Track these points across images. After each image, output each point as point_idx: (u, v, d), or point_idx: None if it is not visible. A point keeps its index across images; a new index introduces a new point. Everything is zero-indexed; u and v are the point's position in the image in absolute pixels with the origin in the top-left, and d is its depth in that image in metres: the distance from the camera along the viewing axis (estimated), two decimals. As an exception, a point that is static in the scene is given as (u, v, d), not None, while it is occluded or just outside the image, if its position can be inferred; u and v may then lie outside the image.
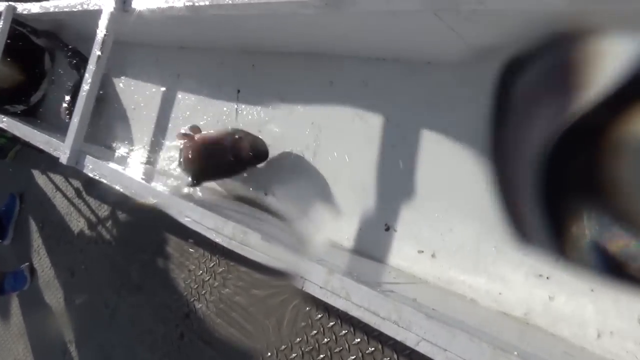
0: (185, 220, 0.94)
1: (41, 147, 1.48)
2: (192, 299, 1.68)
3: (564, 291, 0.76)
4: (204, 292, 1.65)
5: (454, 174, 0.97)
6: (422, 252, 0.98)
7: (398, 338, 0.58)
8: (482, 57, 0.93)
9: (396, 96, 1.09)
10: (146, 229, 2.00)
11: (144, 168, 1.59)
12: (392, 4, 0.76)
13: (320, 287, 0.67)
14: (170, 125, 1.64)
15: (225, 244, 0.86)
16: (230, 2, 1.00)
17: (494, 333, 0.68)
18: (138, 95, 1.81)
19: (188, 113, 1.59)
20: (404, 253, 1.00)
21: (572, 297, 0.74)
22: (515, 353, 0.53)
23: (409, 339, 0.57)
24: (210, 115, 1.51)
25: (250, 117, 1.40)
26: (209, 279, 1.65)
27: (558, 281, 0.77)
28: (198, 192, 1.28)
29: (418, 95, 1.06)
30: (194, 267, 1.73)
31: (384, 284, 0.78)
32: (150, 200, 1.00)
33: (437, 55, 1.01)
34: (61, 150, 1.36)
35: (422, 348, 0.56)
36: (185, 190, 1.27)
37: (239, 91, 1.45)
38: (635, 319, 0.68)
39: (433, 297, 0.77)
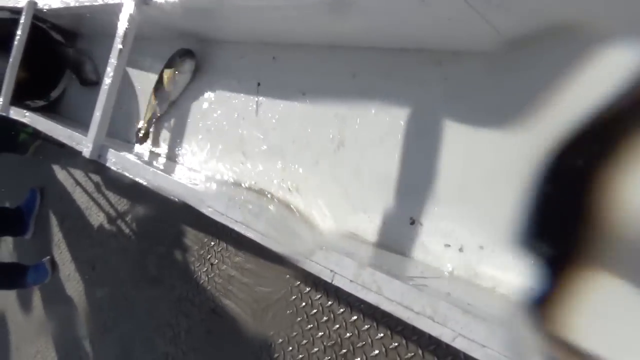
0: (220, 218, 0.92)
1: (64, 141, 1.49)
2: (217, 294, 1.67)
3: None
4: (230, 287, 1.63)
5: (481, 166, 0.95)
6: (449, 246, 0.96)
7: (433, 333, 0.57)
8: (514, 47, 0.90)
9: (420, 87, 1.07)
10: (165, 223, 2.01)
11: (164, 161, 1.59)
12: (422, -9, 0.74)
13: (351, 281, 0.66)
14: (188, 119, 1.64)
15: (258, 240, 0.85)
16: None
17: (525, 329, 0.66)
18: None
19: (207, 107, 1.59)
20: (430, 247, 0.98)
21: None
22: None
23: (444, 335, 0.56)
24: (230, 109, 1.50)
25: (271, 110, 1.39)
26: (235, 275, 1.63)
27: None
28: (222, 186, 1.27)
29: (444, 85, 1.03)
30: (216, 260, 1.72)
31: (413, 279, 0.77)
32: (178, 196, 0.99)
33: (465, 45, 0.98)
34: (84, 144, 1.37)
35: (459, 344, 0.54)
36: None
37: (259, 84, 1.44)
38: None
39: (465, 292, 0.75)
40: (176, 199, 1.01)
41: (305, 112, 1.29)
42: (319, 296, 1.36)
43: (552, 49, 0.87)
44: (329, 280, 0.69)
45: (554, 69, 0.87)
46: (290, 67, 1.37)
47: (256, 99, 1.44)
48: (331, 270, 0.69)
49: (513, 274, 0.85)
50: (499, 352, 0.51)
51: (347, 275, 0.67)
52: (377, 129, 1.12)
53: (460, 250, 0.94)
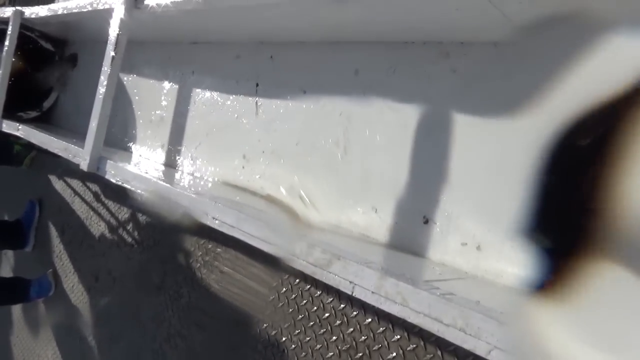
0: (230, 230, 0.89)
1: (60, 154, 1.45)
2: (230, 303, 1.60)
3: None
4: (251, 297, 1.55)
5: (494, 160, 0.92)
6: (466, 244, 0.93)
7: (466, 346, 0.53)
8: (523, 35, 0.87)
9: (428, 81, 1.03)
10: (168, 229, 1.97)
11: (164, 169, 1.55)
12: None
13: (372, 293, 0.63)
14: (187, 123, 1.59)
15: (269, 251, 0.81)
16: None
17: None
18: (153, 94, 1.76)
19: (204, 109, 1.55)
20: (446, 246, 0.95)
21: None
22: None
23: (478, 348, 0.52)
24: (230, 111, 1.46)
25: (271, 110, 1.35)
26: (255, 286, 1.55)
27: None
28: (225, 193, 1.23)
29: (452, 78, 1.00)
30: (226, 269, 1.67)
31: (433, 282, 0.73)
32: (180, 208, 0.95)
33: (473, 35, 0.94)
34: (81, 156, 1.32)
35: (495, 357, 0.51)
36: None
37: (257, 85, 1.40)
38: None
39: (493, 297, 0.72)
40: (182, 209, 0.97)
41: (308, 112, 1.25)
42: (330, 299, 1.32)
43: (562, 36, 0.83)
44: (349, 293, 0.65)
45: (564, 57, 0.83)
46: (289, 65, 1.33)
47: (255, 99, 1.40)
48: (350, 282, 0.65)
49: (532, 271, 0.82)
50: (540, 365, 0.48)
51: (368, 286, 0.63)
52: (383, 127, 1.09)
53: (478, 248, 0.91)
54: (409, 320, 0.59)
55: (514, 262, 0.86)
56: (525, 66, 0.89)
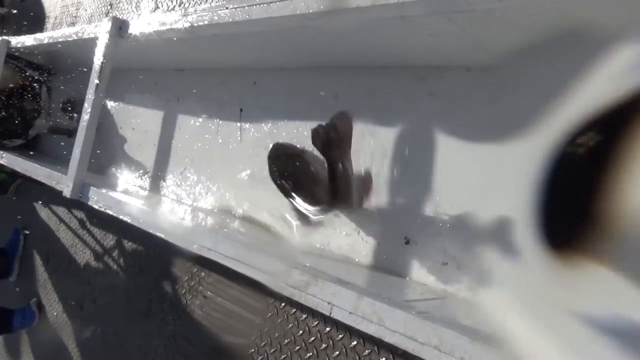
0: (209, 254, 0.89)
1: (43, 181, 1.45)
2: (215, 330, 1.59)
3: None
4: (224, 319, 1.56)
5: (473, 181, 0.94)
6: (446, 264, 0.94)
7: (441, 364, 0.54)
8: (500, 60, 0.90)
9: (406, 104, 1.06)
10: (153, 256, 1.95)
11: (148, 195, 1.55)
12: (403, 9, 0.73)
13: (350, 313, 0.63)
14: (172, 149, 1.60)
15: (252, 275, 0.81)
16: (230, 20, 0.97)
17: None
18: (138, 121, 1.78)
19: (189, 135, 1.56)
20: (427, 266, 0.95)
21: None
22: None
23: (453, 365, 0.53)
24: (214, 136, 1.48)
25: (255, 136, 1.37)
26: (235, 308, 1.55)
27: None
28: (209, 218, 1.24)
29: (430, 101, 1.02)
30: (210, 293, 1.67)
31: (413, 303, 0.74)
32: (165, 235, 0.96)
33: (448, 59, 0.98)
34: (64, 183, 1.32)
35: (469, 374, 0.51)
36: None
37: (241, 110, 1.42)
38: None
39: (468, 314, 0.73)
40: (164, 237, 0.97)
41: (291, 136, 1.27)
42: (316, 322, 1.32)
43: (536, 63, 0.86)
44: (327, 314, 0.66)
45: (538, 83, 0.86)
46: (271, 91, 1.36)
47: (239, 124, 1.42)
48: (329, 303, 0.66)
49: (515, 288, 0.83)
50: (512, 381, 0.48)
51: (345, 307, 0.64)
52: (364, 151, 1.10)
53: (458, 268, 0.92)
54: (386, 339, 0.59)
55: (494, 281, 0.87)
56: (501, 90, 0.92)
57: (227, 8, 0.95)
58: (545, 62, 0.85)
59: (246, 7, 0.96)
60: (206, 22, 1.02)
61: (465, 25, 0.77)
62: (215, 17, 0.98)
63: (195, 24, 1.04)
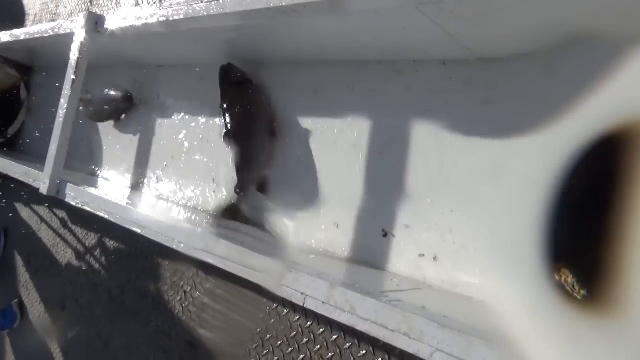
0: (178, 246, 0.89)
1: (20, 178, 1.43)
2: (193, 325, 1.61)
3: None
4: (205, 316, 1.58)
5: (448, 173, 0.95)
6: (423, 255, 0.95)
7: (410, 351, 0.54)
8: (471, 52, 0.91)
9: (383, 98, 1.07)
10: (135, 253, 1.94)
11: (129, 192, 1.54)
12: (375, 2, 0.73)
13: (323, 303, 0.63)
14: (153, 145, 1.59)
15: (220, 265, 0.81)
16: (205, 14, 0.97)
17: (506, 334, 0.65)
18: (119, 118, 1.76)
19: (170, 131, 1.55)
20: (404, 258, 0.96)
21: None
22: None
23: (422, 351, 0.54)
24: (195, 132, 1.47)
25: (235, 131, 1.36)
26: (208, 302, 1.58)
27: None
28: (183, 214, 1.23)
29: (406, 95, 1.03)
30: (189, 287, 1.67)
31: (388, 293, 0.74)
32: (138, 229, 0.95)
33: (424, 53, 0.98)
34: (40, 180, 1.31)
35: (437, 359, 0.52)
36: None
37: (222, 106, 1.41)
38: None
39: (442, 303, 0.73)
40: (141, 232, 0.97)
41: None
42: (297, 317, 1.32)
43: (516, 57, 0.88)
44: (301, 304, 0.66)
45: (511, 81, 0.87)
46: (252, 86, 1.35)
47: (219, 121, 1.41)
48: (302, 293, 0.66)
49: (489, 279, 0.84)
50: (479, 365, 0.49)
51: (318, 297, 0.64)
52: (342, 145, 1.11)
53: (435, 259, 0.93)
54: (358, 328, 0.60)
55: (470, 272, 0.88)
56: (476, 83, 0.93)
57: (202, 1, 0.95)
58: (524, 58, 0.86)
59: (220, 1, 0.96)
60: (182, 17, 1.01)
61: (436, 17, 0.77)
62: (190, 11, 0.97)
63: (171, 18, 1.03)
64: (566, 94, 0.77)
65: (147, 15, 1.08)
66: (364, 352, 1.17)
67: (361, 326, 0.59)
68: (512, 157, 0.86)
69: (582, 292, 0.63)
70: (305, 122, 1.19)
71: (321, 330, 1.27)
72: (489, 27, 0.81)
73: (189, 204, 1.41)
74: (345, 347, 1.22)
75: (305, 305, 0.66)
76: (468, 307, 0.83)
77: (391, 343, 0.56)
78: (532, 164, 0.82)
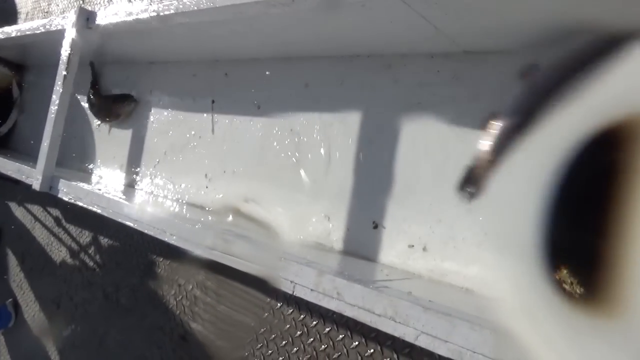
0: (170, 239, 0.90)
1: (13, 175, 1.43)
2: (186, 319, 1.62)
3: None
4: (197, 309, 1.60)
5: (437, 165, 0.96)
6: (413, 246, 0.96)
7: (396, 334, 0.56)
8: (459, 45, 0.92)
9: (372, 91, 1.08)
10: (129, 250, 1.94)
11: (122, 187, 1.55)
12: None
13: (312, 290, 0.65)
14: (145, 142, 1.60)
15: (208, 255, 0.82)
16: (195, 8, 0.97)
17: (493, 320, 0.66)
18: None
19: (163, 127, 1.56)
20: (394, 249, 0.98)
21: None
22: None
23: (407, 334, 0.55)
24: (187, 128, 1.48)
25: (227, 127, 1.37)
26: (200, 295, 1.59)
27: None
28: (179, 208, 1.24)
29: (395, 88, 1.04)
30: (183, 281, 1.67)
31: (377, 282, 0.76)
32: (130, 222, 0.96)
33: (411, 47, 1.00)
34: (33, 176, 1.31)
35: (422, 342, 0.53)
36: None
37: (213, 101, 1.42)
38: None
39: (428, 290, 0.75)
40: (134, 225, 0.97)
41: (262, 127, 1.28)
42: (291, 311, 1.33)
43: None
44: (290, 292, 0.67)
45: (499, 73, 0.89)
46: (243, 82, 1.36)
47: (212, 116, 1.42)
48: (291, 281, 0.67)
49: (476, 268, 0.86)
50: (462, 347, 0.50)
51: (307, 284, 0.65)
52: (333, 138, 1.12)
53: (424, 249, 0.94)
54: (346, 313, 0.61)
55: (458, 261, 0.89)
56: (462, 76, 0.94)
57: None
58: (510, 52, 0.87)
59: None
60: (172, 11, 1.02)
61: (422, 10, 0.79)
62: (181, 6, 0.98)
63: (162, 13, 1.04)
64: (556, 89, 0.78)
65: (138, 10, 1.09)
66: (357, 343, 1.19)
67: (349, 312, 0.61)
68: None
69: (580, 289, 0.63)
70: (297, 116, 1.20)
71: (314, 322, 1.28)
72: (474, 20, 0.82)
73: (181, 199, 1.42)
74: (337, 339, 1.23)
75: (294, 293, 0.67)
76: (455, 295, 0.84)
77: (378, 327, 0.57)
78: (521, 158, 0.83)
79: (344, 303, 0.61)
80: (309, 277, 0.66)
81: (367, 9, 0.85)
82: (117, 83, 1.78)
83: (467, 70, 0.94)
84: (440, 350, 0.52)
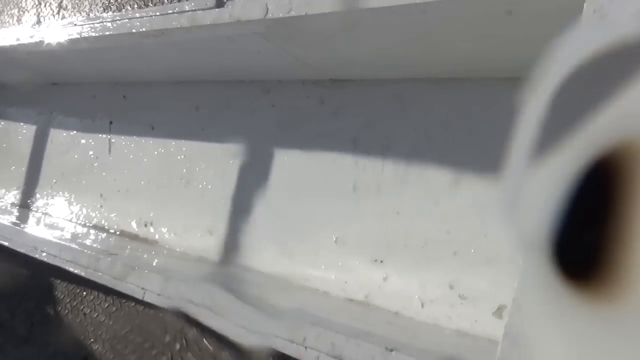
0: (41, 256, 0.92)
1: None
2: (89, 342, 1.60)
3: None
4: (100, 332, 1.58)
5: (315, 186, 1.04)
6: (282, 253, 1.04)
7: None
8: (324, 73, 1.02)
9: (253, 115, 1.17)
10: (32, 279, 1.88)
11: (17, 210, 1.53)
12: (216, 29, 0.83)
13: (158, 295, 0.70)
14: (43, 162, 1.59)
15: (83, 274, 0.86)
16: (79, 36, 1.02)
17: (342, 320, 0.75)
18: (8, 136, 1.74)
19: (61, 148, 1.56)
20: (265, 256, 1.05)
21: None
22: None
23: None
24: (85, 149, 1.50)
25: (124, 148, 1.41)
26: (105, 320, 1.58)
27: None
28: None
29: (273, 112, 1.13)
30: (89, 310, 1.65)
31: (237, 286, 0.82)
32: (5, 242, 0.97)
33: (285, 74, 1.09)
34: None
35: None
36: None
37: (111, 123, 1.46)
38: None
39: (290, 297, 0.83)
40: (6, 244, 0.98)
41: (156, 149, 1.32)
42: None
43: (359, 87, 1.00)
44: (141, 298, 0.72)
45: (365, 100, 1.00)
46: (139, 104, 1.41)
47: (109, 137, 1.45)
48: (142, 288, 0.72)
49: (333, 272, 0.95)
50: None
51: (154, 290, 0.71)
52: (218, 161, 1.19)
53: (291, 257, 1.02)
54: (183, 310, 0.67)
55: (317, 266, 0.97)
56: (330, 102, 1.05)
57: (74, 25, 1.01)
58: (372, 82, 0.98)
59: (96, 24, 1.02)
60: (66, 38, 1.06)
61: (280, 44, 0.88)
62: (70, 32, 1.02)
63: (59, 40, 1.07)
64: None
65: (26, 35, 1.12)
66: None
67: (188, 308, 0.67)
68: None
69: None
70: (188, 139, 1.27)
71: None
72: (329, 53, 0.93)
73: (75, 220, 1.43)
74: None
75: (144, 299, 0.72)
76: (314, 298, 0.92)
77: (197, 318, 0.64)
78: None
79: (185, 301, 0.68)
80: (156, 284, 0.72)
81: (233, 42, 0.94)
82: (17, 103, 1.77)
83: (332, 96, 1.05)
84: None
